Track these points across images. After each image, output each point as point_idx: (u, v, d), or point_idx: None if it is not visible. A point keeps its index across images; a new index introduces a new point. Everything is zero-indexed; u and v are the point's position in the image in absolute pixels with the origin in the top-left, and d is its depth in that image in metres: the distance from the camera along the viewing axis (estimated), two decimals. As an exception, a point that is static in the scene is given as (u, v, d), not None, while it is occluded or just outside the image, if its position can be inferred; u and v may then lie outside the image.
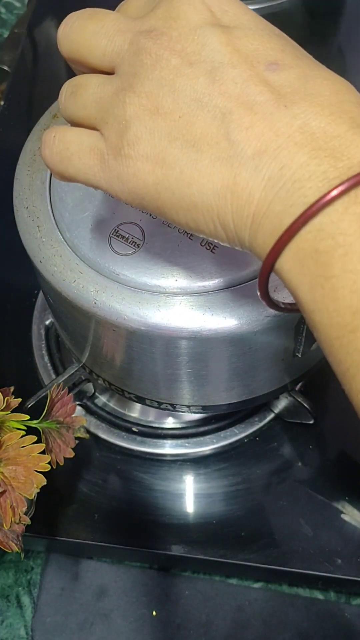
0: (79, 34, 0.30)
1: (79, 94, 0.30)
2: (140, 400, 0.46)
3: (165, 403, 0.45)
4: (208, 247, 0.38)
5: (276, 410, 0.53)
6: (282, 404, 0.52)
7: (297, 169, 0.25)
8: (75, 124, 0.31)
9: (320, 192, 0.24)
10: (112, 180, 0.29)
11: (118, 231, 0.39)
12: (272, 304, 0.31)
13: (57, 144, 0.30)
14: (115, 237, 0.39)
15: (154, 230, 0.39)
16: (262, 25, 0.28)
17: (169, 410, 0.46)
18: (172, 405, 0.45)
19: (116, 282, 0.38)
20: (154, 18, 0.28)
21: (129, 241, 0.39)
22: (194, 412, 0.46)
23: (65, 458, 0.44)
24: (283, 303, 0.32)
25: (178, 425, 0.53)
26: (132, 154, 0.28)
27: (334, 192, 0.24)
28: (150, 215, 0.40)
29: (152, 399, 0.45)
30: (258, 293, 0.30)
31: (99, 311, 0.37)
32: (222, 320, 0.36)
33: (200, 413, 0.49)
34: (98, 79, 0.30)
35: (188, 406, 0.45)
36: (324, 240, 0.24)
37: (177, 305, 0.37)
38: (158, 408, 0.46)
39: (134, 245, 0.39)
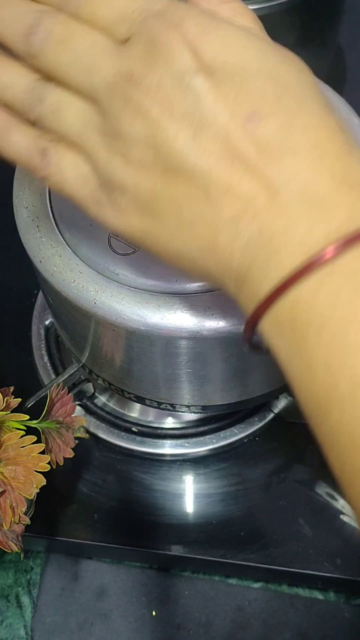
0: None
1: (61, 116, 0.28)
2: (140, 400, 0.46)
3: (165, 403, 0.45)
4: None
5: (276, 410, 0.53)
6: (281, 403, 0.52)
7: (274, 235, 0.24)
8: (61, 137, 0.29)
9: (295, 264, 0.24)
10: (102, 214, 0.29)
11: None
12: (255, 351, 0.30)
13: (52, 166, 0.29)
14: (114, 237, 0.39)
15: None
16: (246, 59, 0.26)
17: (168, 410, 0.46)
18: (171, 405, 0.45)
19: (116, 282, 0.38)
20: (133, 59, 0.26)
21: (128, 240, 0.39)
22: (194, 412, 0.46)
23: (65, 458, 0.44)
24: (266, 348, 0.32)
25: (177, 425, 0.53)
26: (120, 201, 0.28)
27: (311, 263, 0.23)
28: None
29: (152, 399, 0.45)
30: (242, 341, 0.29)
31: (99, 311, 0.37)
32: (222, 320, 0.36)
33: (200, 413, 0.49)
34: (77, 106, 0.28)
35: (188, 406, 0.45)
36: (300, 312, 0.24)
37: (177, 305, 0.37)
38: (158, 408, 0.46)
39: (133, 245, 0.39)
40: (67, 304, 0.39)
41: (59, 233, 0.40)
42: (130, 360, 0.42)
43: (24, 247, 0.41)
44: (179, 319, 0.37)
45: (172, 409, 0.45)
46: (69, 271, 0.38)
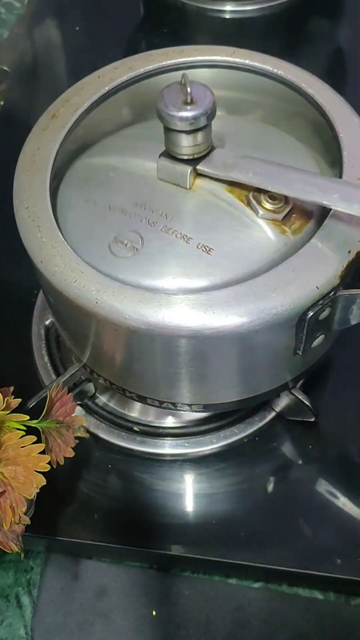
0: None
1: None
2: (142, 399, 0.46)
3: (167, 402, 0.45)
4: (204, 249, 0.39)
5: (277, 409, 0.53)
6: (283, 402, 0.52)
7: None
8: None
9: None
10: None
11: (117, 237, 0.40)
12: None
13: None
14: (114, 242, 0.40)
15: (151, 236, 0.40)
16: None
17: (170, 409, 0.46)
18: (173, 404, 0.45)
19: (117, 281, 0.38)
20: None
21: (127, 246, 0.39)
22: (195, 411, 0.46)
23: (65, 458, 0.44)
24: None
25: (178, 425, 0.53)
26: None
27: None
28: (148, 222, 0.40)
29: (154, 398, 0.45)
30: None
31: (100, 310, 0.37)
32: (223, 319, 0.37)
33: (202, 412, 0.49)
34: None
35: (189, 405, 0.45)
36: None
37: (178, 304, 0.37)
38: (159, 407, 0.46)
39: (132, 249, 0.39)
40: (69, 304, 0.39)
41: (59, 233, 0.40)
42: (131, 360, 0.42)
43: (25, 247, 0.41)
44: (180, 318, 0.37)
45: (173, 407, 0.45)
46: (70, 271, 0.39)
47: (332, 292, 0.38)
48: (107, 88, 0.47)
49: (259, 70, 0.48)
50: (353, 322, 0.41)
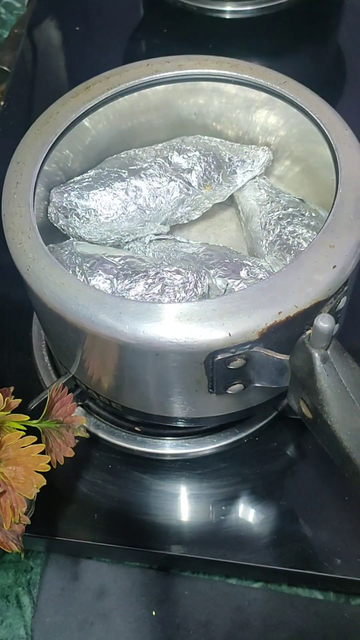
0: None
1: None
2: (130, 412, 0.46)
3: (156, 415, 0.45)
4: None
5: (279, 408, 0.53)
6: (284, 400, 0.52)
7: None
8: None
9: None
10: None
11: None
12: None
13: None
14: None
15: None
16: None
17: (160, 423, 0.46)
18: (163, 417, 0.45)
19: (111, 297, 0.39)
20: None
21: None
22: (187, 425, 0.46)
23: (65, 458, 0.44)
24: None
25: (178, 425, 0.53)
26: None
27: None
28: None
29: (142, 411, 0.45)
30: None
31: (91, 325, 0.38)
32: (215, 332, 0.37)
33: (195, 425, 0.49)
34: None
35: (181, 419, 0.45)
36: None
37: (168, 318, 0.37)
38: (148, 420, 0.46)
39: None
40: (61, 322, 0.40)
41: (47, 249, 0.41)
42: (120, 374, 0.42)
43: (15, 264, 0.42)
44: (171, 332, 0.37)
45: (164, 422, 0.46)
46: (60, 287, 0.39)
47: (248, 346, 0.37)
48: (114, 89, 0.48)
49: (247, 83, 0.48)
50: (285, 384, 0.40)
